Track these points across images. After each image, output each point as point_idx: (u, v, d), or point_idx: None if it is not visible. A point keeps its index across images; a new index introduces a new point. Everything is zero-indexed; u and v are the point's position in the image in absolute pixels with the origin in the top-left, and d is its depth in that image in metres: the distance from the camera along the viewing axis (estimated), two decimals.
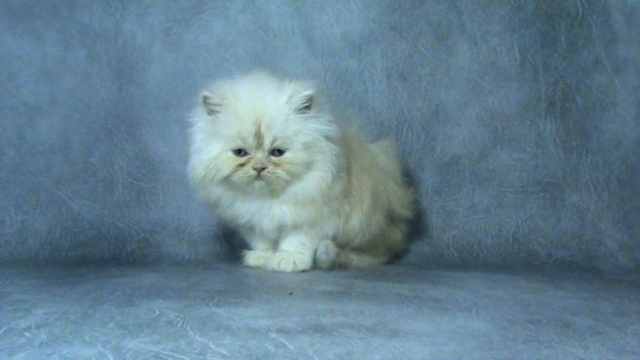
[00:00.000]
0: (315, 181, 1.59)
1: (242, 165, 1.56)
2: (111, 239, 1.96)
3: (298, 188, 1.59)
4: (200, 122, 1.60)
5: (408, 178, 1.96)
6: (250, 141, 1.54)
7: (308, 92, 1.55)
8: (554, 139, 2.05)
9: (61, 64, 2.02)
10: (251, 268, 1.72)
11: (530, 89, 2.06)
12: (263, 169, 1.55)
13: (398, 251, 1.94)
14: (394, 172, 1.84)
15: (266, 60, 2.04)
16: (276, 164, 1.55)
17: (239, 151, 1.56)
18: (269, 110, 1.54)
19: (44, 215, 1.96)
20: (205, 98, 1.56)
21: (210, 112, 1.57)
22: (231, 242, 1.91)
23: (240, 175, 1.56)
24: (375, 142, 1.87)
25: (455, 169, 2.07)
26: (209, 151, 1.57)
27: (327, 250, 1.66)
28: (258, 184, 1.57)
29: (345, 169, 1.65)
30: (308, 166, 1.58)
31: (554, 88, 2.06)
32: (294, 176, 1.58)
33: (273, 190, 1.60)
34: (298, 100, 1.55)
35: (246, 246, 1.79)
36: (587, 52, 2.05)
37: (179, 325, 1.03)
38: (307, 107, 1.56)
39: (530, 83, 2.06)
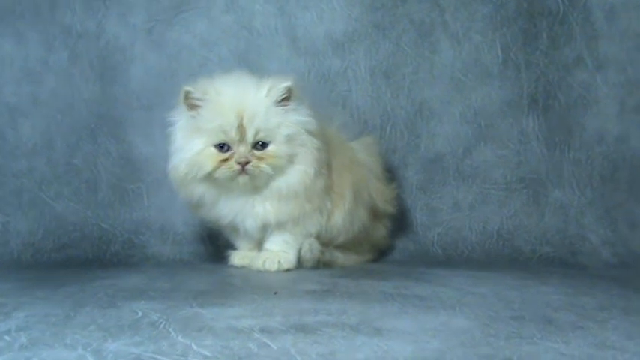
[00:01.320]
0: (298, 175, 1.59)
1: (225, 160, 1.56)
2: (95, 240, 1.94)
3: (281, 183, 1.59)
4: (181, 121, 1.60)
5: (391, 174, 1.96)
6: (233, 134, 1.54)
7: (286, 84, 1.57)
8: (537, 136, 2.06)
9: (43, 65, 2.01)
10: (236, 267, 1.72)
11: (512, 86, 2.06)
12: (247, 163, 1.55)
13: (382, 248, 1.95)
14: (376, 168, 1.85)
15: (249, 59, 2.03)
16: (259, 158, 1.56)
17: (221, 147, 1.56)
18: (250, 103, 1.55)
19: (27, 217, 1.95)
20: (187, 93, 1.56)
21: (192, 108, 1.57)
22: (216, 242, 1.90)
23: (223, 171, 1.56)
24: (356, 140, 1.87)
25: (439, 166, 2.07)
26: (190, 148, 1.57)
27: (310, 249, 1.66)
28: (242, 179, 1.57)
29: (325, 165, 1.65)
30: (290, 159, 1.58)
31: (537, 86, 2.07)
32: (278, 170, 1.58)
33: (257, 187, 1.59)
34: (277, 91, 1.56)
35: (231, 246, 1.79)
36: (568, 49, 2.06)
37: (161, 326, 1.03)
38: (286, 99, 1.57)
39: (513, 80, 2.06)
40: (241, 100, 1.55)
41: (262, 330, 1.00)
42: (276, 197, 1.61)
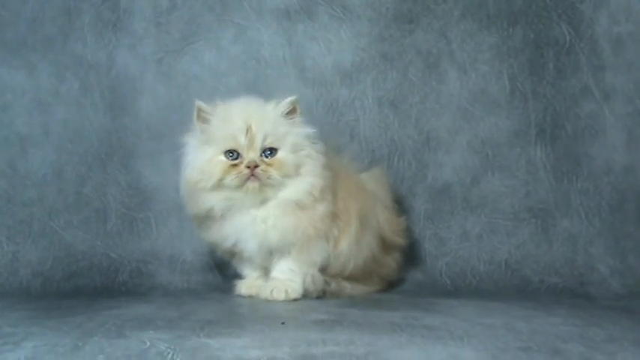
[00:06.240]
0: (305, 186, 1.61)
1: (235, 166, 1.58)
2: (103, 269, 1.95)
3: (289, 193, 1.60)
4: (192, 139, 1.64)
5: (400, 206, 1.96)
6: (242, 140, 1.57)
7: (291, 98, 1.63)
8: (545, 166, 2.07)
9: (54, 96, 2.03)
10: (243, 297, 1.72)
11: (519, 116, 2.08)
12: (256, 166, 1.56)
13: (391, 280, 1.94)
14: (384, 198, 1.85)
15: (258, 89, 2.04)
16: (268, 164, 1.58)
17: (231, 154, 1.58)
18: (258, 113, 1.61)
19: (36, 246, 1.95)
20: (199, 108, 1.61)
21: (204, 122, 1.61)
22: (224, 271, 1.91)
23: (233, 176, 1.57)
24: (365, 171, 1.88)
25: (447, 195, 2.07)
26: (201, 157, 1.60)
27: (313, 281, 1.66)
28: (251, 185, 1.57)
29: (330, 190, 1.65)
30: (297, 169, 1.61)
31: (544, 116, 2.08)
32: (286, 178, 1.59)
33: (265, 197, 1.59)
34: (284, 105, 1.62)
35: (238, 275, 1.79)
36: (575, 79, 2.08)
37: (169, 356, 1.03)
38: (292, 112, 1.63)
39: (520, 110, 2.08)
40: (249, 111, 1.61)
41: None
42: (283, 209, 1.60)
